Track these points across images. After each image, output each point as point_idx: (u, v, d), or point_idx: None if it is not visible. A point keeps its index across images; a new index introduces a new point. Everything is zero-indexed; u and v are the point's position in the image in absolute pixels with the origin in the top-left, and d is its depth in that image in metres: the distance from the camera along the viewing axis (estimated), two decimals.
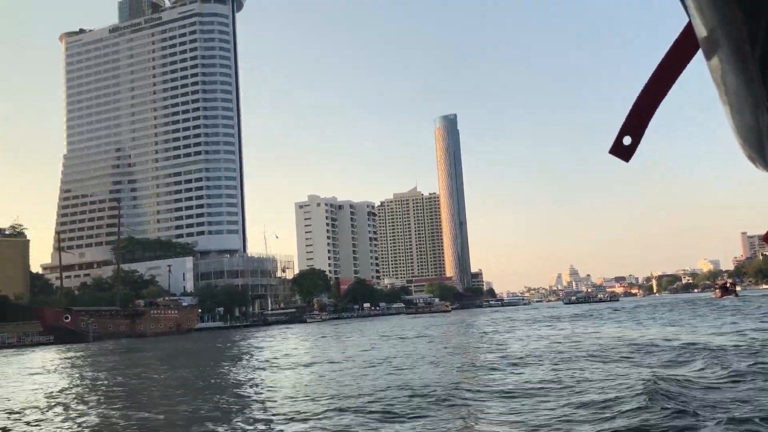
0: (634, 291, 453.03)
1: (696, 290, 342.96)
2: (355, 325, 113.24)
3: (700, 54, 1.62)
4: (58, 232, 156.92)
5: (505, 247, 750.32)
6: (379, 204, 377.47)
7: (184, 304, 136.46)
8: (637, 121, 1.81)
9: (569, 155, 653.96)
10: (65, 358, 60.08)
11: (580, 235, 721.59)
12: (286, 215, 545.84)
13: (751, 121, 1.47)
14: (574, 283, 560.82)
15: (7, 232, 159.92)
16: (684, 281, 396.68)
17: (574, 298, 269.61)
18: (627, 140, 1.85)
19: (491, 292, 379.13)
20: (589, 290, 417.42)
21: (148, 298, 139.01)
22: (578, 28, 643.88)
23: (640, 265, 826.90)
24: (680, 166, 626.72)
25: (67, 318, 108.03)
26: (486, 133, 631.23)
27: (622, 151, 1.86)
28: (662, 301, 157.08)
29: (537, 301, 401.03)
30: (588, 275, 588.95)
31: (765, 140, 1.51)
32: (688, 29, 1.59)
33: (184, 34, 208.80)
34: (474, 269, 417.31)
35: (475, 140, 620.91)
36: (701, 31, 1.43)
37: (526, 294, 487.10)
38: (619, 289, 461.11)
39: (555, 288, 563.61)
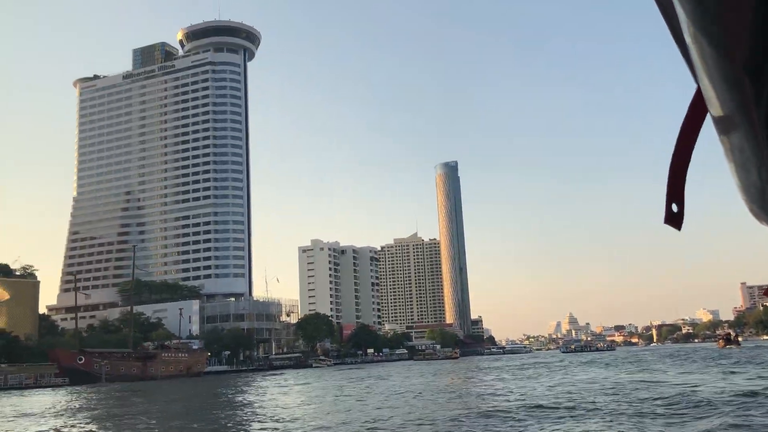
0: (634, 340, 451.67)
1: (696, 340, 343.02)
2: (368, 372, 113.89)
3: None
4: (73, 274, 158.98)
5: (504, 294, 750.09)
6: (380, 248, 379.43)
7: (194, 347, 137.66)
8: (676, 187, 1.86)
9: (569, 203, 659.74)
10: (74, 401, 61.70)
11: (580, 284, 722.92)
12: (287, 259, 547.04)
13: (755, 179, 1.52)
14: (573, 331, 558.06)
15: (17, 273, 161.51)
16: (684, 331, 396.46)
17: (572, 346, 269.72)
18: (674, 207, 1.89)
19: (491, 340, 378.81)
20: (589, 339, 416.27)
21: (157, 341, 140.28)
22: (578, 75, 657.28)
23: (640, 314, 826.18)
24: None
25: (80, 360, 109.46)
26: (486, 180, 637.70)
27: (674, 220, 1.89)
28: (666, 351, 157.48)
29: (537, 350, 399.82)
30: (587, 323, 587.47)
31: None
32: (700, 92, 1.62)
33: (196, 82, 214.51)
34: (473, 316, 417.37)
35: (475, 187, 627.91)
36: (709, 93, 1.47)
37: (526, 342, 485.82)
38: (618, 338, 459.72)
39: (554, 336, 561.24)
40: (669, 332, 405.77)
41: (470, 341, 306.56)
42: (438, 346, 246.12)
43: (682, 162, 1.84)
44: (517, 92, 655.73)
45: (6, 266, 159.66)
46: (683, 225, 1.88)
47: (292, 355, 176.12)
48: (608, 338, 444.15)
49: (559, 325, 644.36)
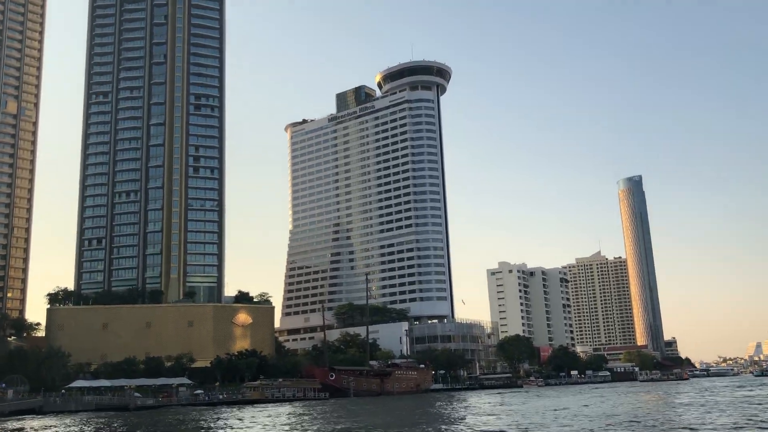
0: None
1: None
2: (593, 393, 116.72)
3: None
4: (322, 302, 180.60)
5: (695, 314, 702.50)
6: (561, 268, 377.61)
7: (421, 366, 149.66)
8: None
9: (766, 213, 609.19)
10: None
11: None
12: (471, 280, 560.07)
13: None
14: None
15: (255, 300, 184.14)
16: None
17: None
18: None
19: (688, 362, 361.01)
20: None
21: (379, 360, 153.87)
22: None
23: None
24: None
25: (332, 376, 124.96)
26: (675, 193, 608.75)
27: None
28: None
29: (740, 372, 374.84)
30: None
31: None
32: None
33: (394, 120, 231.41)
34: (666, 337, 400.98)
35: (662, 201, 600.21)
36: None
37: (722, 364, 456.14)
38: None
39: (755, 358, 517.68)
40: None
41: (669, 363, 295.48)
42: (637, 369, 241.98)
43: None
44: (699, 99, 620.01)
45: (247, 294, 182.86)
46: None
47: (501, 376, 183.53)
48: None
49: (759, 346, 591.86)
